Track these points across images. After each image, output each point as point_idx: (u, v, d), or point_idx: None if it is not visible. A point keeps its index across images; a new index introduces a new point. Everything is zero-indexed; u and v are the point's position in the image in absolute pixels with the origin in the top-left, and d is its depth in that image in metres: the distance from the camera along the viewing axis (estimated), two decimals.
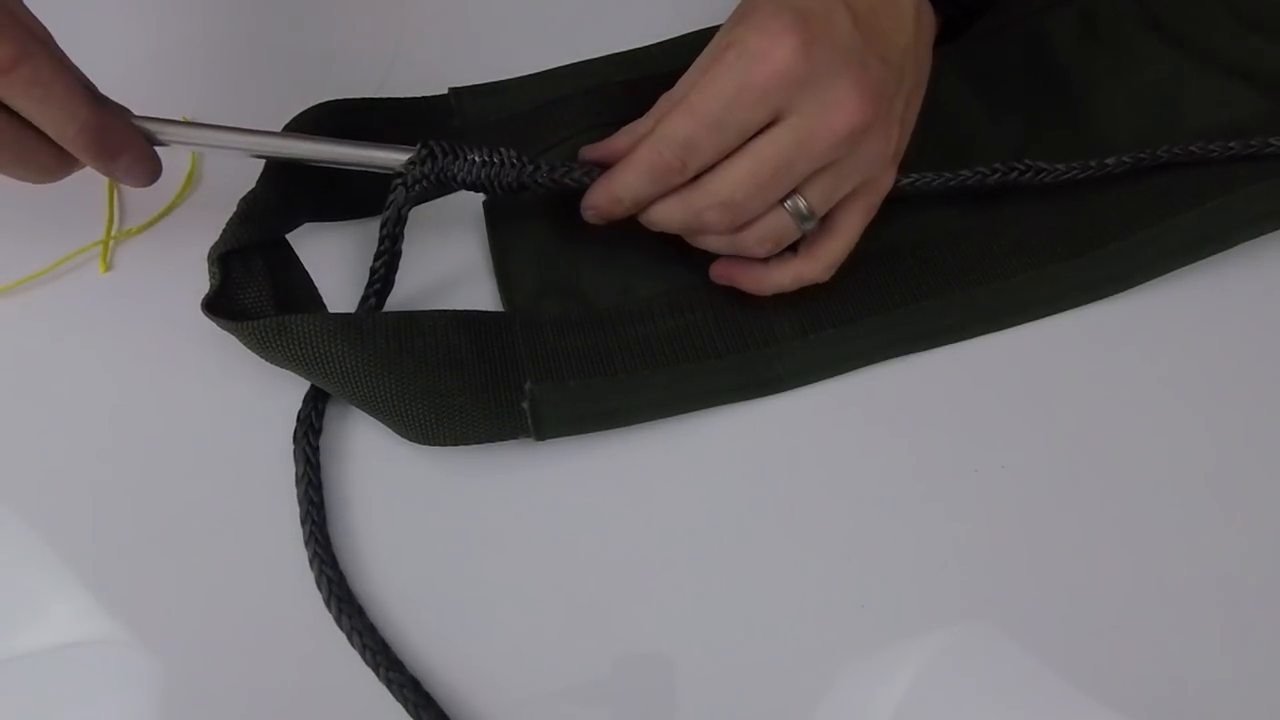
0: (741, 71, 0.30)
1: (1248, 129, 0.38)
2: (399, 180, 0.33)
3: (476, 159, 0.33)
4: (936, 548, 0.32)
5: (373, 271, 0.35)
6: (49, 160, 0.32)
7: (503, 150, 0.33)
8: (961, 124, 0.40)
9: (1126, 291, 0.36)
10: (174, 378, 0.36)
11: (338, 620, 0.31)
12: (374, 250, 0.35)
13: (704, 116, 0.30)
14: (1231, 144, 0.37)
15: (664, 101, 0.34)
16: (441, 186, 0.34)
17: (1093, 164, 0.37)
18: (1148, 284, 0.36)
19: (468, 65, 0.42)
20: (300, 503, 0.33)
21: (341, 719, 0.30)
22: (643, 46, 0.42)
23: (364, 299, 0.35)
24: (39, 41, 0.30)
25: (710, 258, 0.37)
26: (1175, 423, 0.34)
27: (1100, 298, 0.36)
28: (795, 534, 0.32)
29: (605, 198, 0.34)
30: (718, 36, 0.32)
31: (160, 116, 0.33)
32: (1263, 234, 0.35)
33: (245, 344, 0.33)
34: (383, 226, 0.34)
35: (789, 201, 0.32)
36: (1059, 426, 0.34)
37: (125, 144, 0.32)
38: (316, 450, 0.34)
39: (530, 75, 0.42)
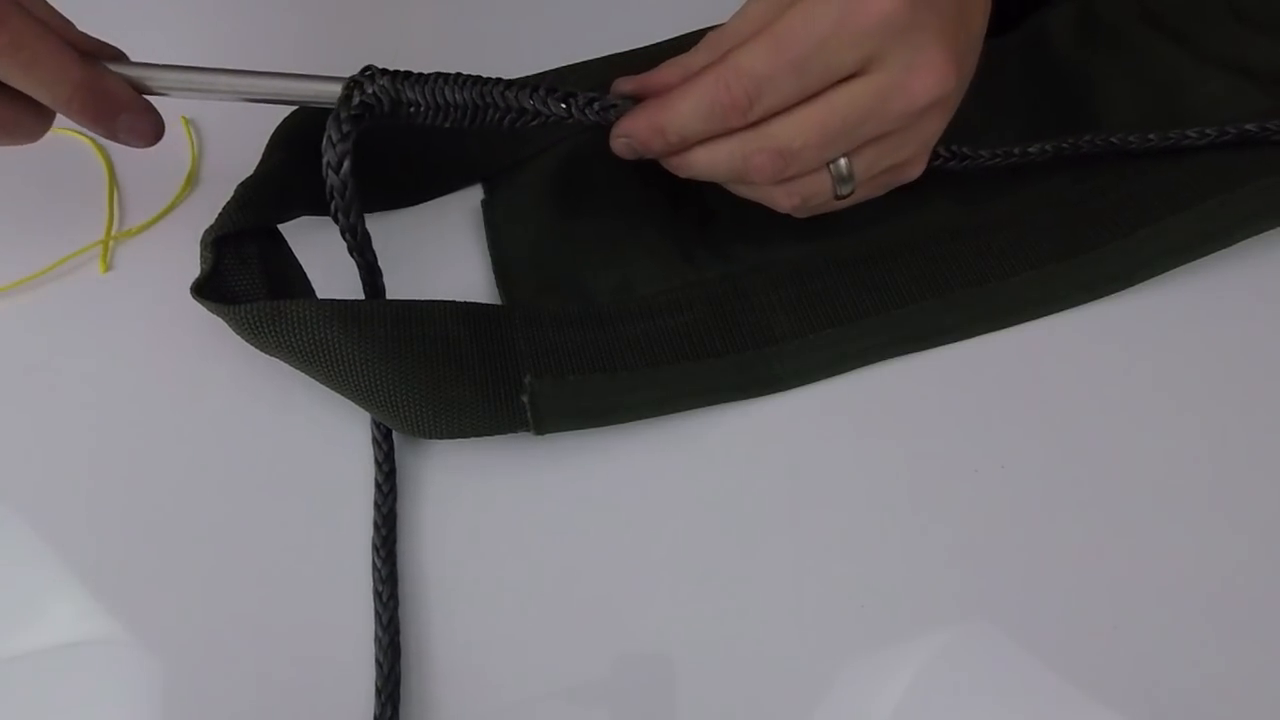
0: (841, 7, 0.26)
1: None
2: (340, 108, 0.30)
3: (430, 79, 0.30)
4: (936, 548, 0.32)
5: (337, 214, 0.32)
6: (33, 122, 0.30)
7: (462, 74, 0.31)
8: (960, 124, 0.40)
9: (1126, 291, 0.36)
10: (174, 378, 0.36)
11: (378, 602, 0.31)
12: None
13: (790, 51, 0.27)
14: (1229, 129, 0.37)
15: (717, 36, 0.30)
16: (394, 117, 0.31)
17: (1016, 151, 0.37)
18: (1147, 283, 0.36)
19: (468, 66, 0.42)
20: (378, 505, 0.33)
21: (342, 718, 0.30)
22: (642, 47, 0.42)
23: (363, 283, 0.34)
24: (14, 3, 0.28)
25: (709, 256, 0.38)
26: (1175, 422, 0.34)
27: (1100, 297, 0.36)
28: (795, 533, 0.32)
29: (647, 126, 0.30)
30: None
31: (138, 61, 0.32)
32: (1263, 232, 0.35)
33: (236, 330, 0.32)
34: (325, 173, 0.31)
35: (834, 164, 0.30)
36: (1059, 426, 0.34)
37: (123, 102, 0.31)
38: (389, 453, 0.34)
39: (529, 76, 0.42)
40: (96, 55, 0.31)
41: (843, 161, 0.30)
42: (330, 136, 0.30)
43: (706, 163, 0.30)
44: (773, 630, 0.31)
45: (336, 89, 0.31)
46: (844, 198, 0.31)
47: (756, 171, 0.29)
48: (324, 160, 0.31)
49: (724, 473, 0.34)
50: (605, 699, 0.30)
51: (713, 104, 0.28)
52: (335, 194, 0.31)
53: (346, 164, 0.31)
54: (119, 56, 0.32)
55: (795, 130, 0.28)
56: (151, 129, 0.32)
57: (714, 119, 0.29)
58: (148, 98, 0.32)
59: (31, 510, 0.34)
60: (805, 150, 0.29)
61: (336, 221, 0.32)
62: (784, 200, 0.31)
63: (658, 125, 0.29)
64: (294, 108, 0.36)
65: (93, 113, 0.30)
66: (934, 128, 0.30)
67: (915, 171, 0.32)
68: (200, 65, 0.32)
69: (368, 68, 0.31)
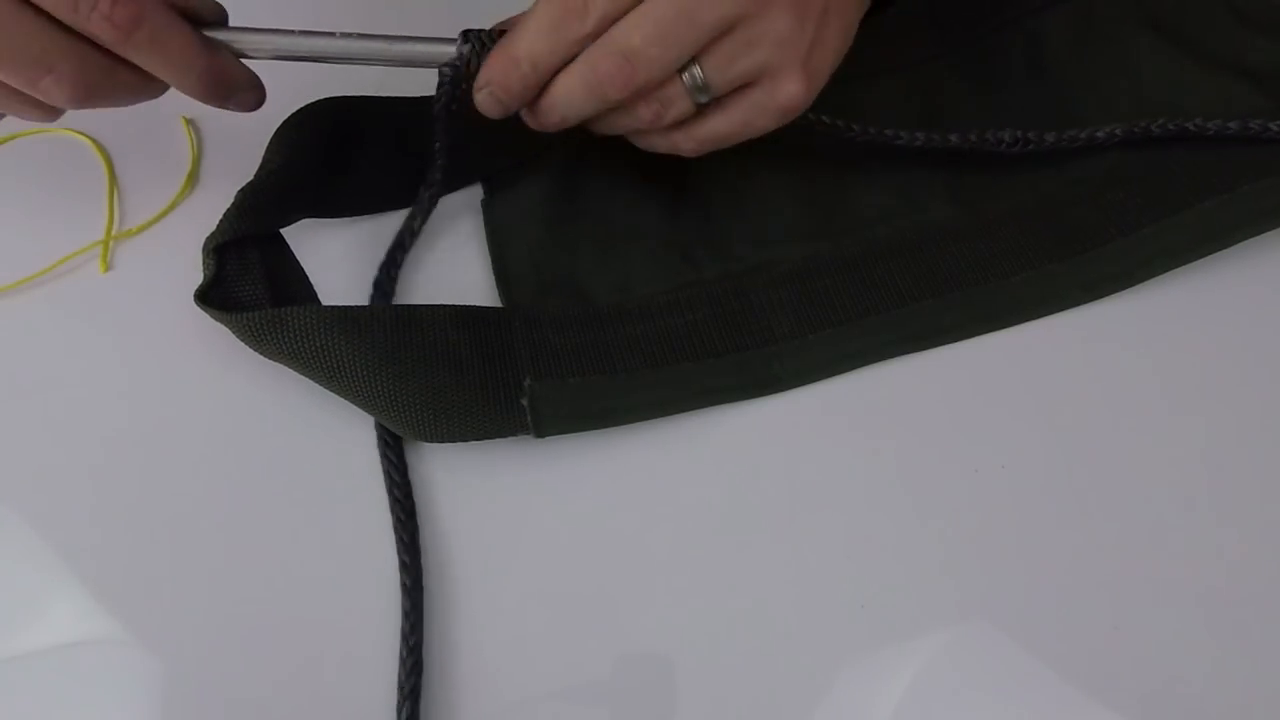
0: None
1: None
2: (448, 71, 0.33)
3: None
4: (936, 547, 0.32)
5: (435, 157, 0.36)
6: (159, 86, 0.33)
7: None
8: (961, 125, 0.40)
9: (1126, 291, 0.36)
10: (174, 378, 0.36)
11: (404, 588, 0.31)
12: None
13: None
14: (1230, 124, 0.37)
15: None
16: None
17: (1082, 135, 0.37)
18: (1147, 283, 0.36)
19: None
20: (399, 501, 0.33)
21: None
22: None
23: (428, 183, 0.37)
24: None
25: (709, 256, 0.38)
26: (1175, 422, 0.34)
27: (1100, 297, 0.36)
28: (795, 534, 0.32)
29: (501, 60, 0.31)
30: None
31: (239, 26, 0.34)
32: (1263, 232, 0.35)
33: (239, 336, 0.33)
34: (436, 121, 0.34)
35: (686, 73, 0.31)
36: (1059, 426, 0.34)
37: (237, 83, 0.33)
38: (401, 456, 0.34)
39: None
40: (204, 17, 0.33)
41: (697, 69, 0.31)
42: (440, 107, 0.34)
43: (564, 93, 0.31)
44: (773, 630, 0.31)
45: (448, 50, 0.33)
46: (705, 106, 0.32)
47: (607, 81, 0.30)
48: (436, 105, 0.34)
49: (724, 473, 0.34)
50: (609, 695, 0.30)
51: (551, 15, 0.30)
52: (439, 120, 0.35)
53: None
54: (222, 15, 0.33)
55: (631, 28, 0.29)
56: (257, 101, 0.35)
57: (556, 30, 0.30)
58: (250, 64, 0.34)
59: (33, 511, 0.34)
60: (647, 48, 0.29)
61: (437, 142, 0.36)
62: (645, 112, 0.32)
63: (511, 55, 0.31)
64: (293, 110, 0.36)
65: (210, 95, 0.33)
66: (782, 24, 0.30)
67: (790, 89, 0.31)
68: (300, 29, 0.33)
69: (467, 34, 0.33)
